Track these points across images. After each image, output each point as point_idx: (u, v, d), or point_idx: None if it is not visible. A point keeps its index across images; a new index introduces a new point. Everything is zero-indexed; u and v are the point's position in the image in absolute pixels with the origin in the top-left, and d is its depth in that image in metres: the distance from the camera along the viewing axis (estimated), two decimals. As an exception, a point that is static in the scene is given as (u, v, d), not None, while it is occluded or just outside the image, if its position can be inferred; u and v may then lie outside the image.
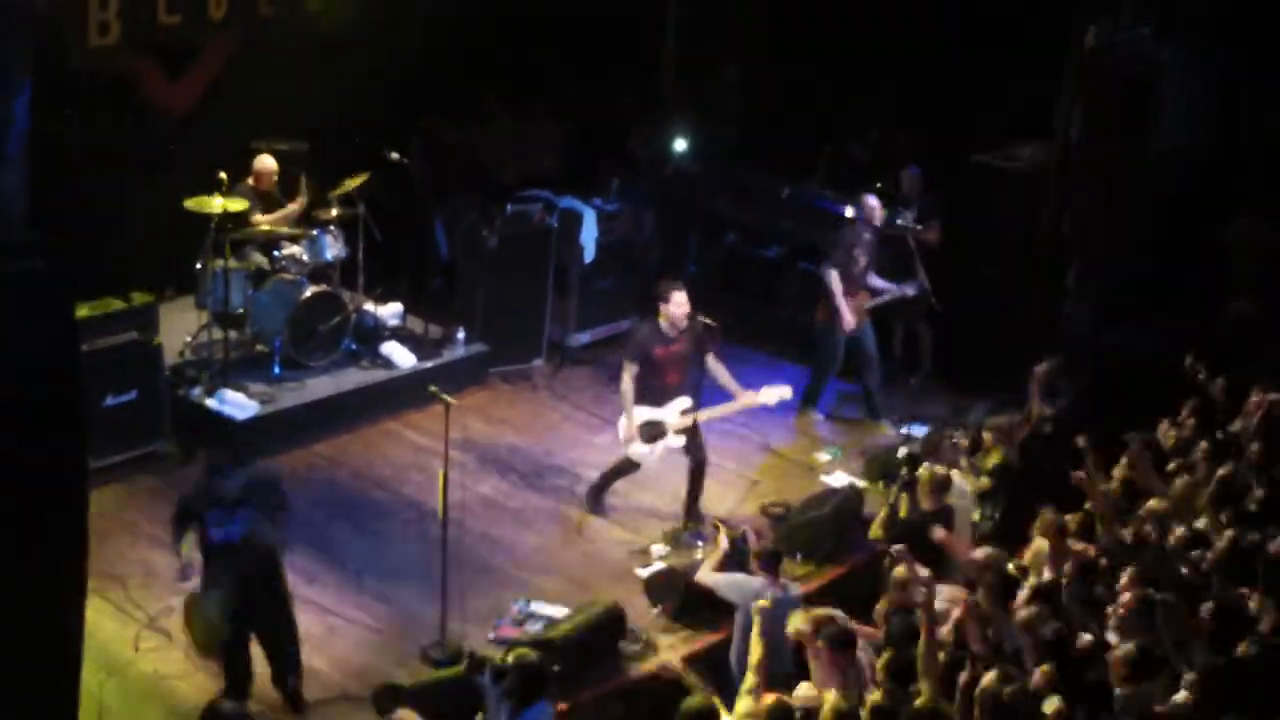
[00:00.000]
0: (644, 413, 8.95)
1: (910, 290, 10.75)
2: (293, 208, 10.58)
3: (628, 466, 9.25)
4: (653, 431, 8.98)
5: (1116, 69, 10.56)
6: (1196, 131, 11.20)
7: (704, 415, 9.06)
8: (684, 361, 8.96)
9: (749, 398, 9.04)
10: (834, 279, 10.38)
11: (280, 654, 7.36)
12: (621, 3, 12.90)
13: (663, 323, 8.92)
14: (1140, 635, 6.69)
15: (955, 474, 8.72)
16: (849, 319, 10.42)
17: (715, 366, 9.07)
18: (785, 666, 7.39)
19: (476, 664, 6.41)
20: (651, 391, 8.94)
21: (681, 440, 9.01)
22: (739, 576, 7.77)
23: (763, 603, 7.12)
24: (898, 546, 7.53)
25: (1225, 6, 11.01)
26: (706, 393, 9.24)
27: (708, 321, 9.02)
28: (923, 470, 8.49)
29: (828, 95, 12.81)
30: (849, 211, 12.27)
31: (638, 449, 9.01)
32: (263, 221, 10.35)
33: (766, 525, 9.19)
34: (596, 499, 9.42)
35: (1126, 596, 6.97)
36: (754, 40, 13.45)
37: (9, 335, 5.30)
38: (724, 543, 8.04)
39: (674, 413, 8.97)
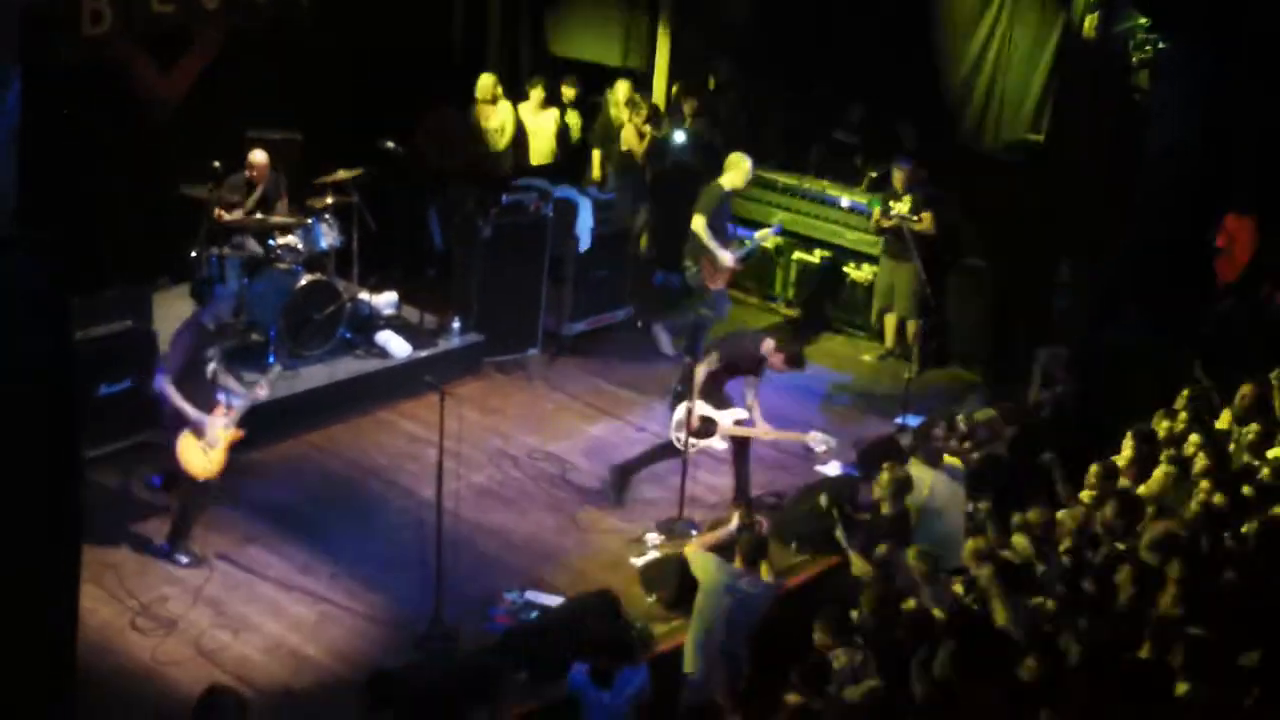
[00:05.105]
0: (703, 409, 9.11)
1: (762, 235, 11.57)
2: (253, 213, 10.43)
3: (665, 453, 9.37)
4: (706, 428, 9.14)
5: (1109, 64, 10.56)
6: (1188, 127, 11.19)
7: (754, 432, 9.26)
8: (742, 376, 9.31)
9: (795, 434, 9.33)
10: (709, 235, 11.01)
11: None
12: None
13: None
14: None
15: (951, 462, 8.74)
16: (715, 273, 11.16)
17: (751, 389, 9.31)
18: (737, 651, 7.45)
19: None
20: (715, 393, 9.17)
21: (724, 445, 9.24)
22: (716, 559, 7.72)
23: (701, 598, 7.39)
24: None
25: (1218, 2, 10.99)
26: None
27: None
28: (883, 471, 8.42)
29: (823, 88, 12.81)
30: (844, 202, 12.32)
31: (684, 437, 9.12)
32: (224, 217, 10.26)
33: (762, 515, 9.19)
34: (624, 482, 9.49)
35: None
36: (749, 33, 13.44)
37: (2, 329, 5.31)
38: (734, 523, 8.01)
39: (729, 418, 9.17)
